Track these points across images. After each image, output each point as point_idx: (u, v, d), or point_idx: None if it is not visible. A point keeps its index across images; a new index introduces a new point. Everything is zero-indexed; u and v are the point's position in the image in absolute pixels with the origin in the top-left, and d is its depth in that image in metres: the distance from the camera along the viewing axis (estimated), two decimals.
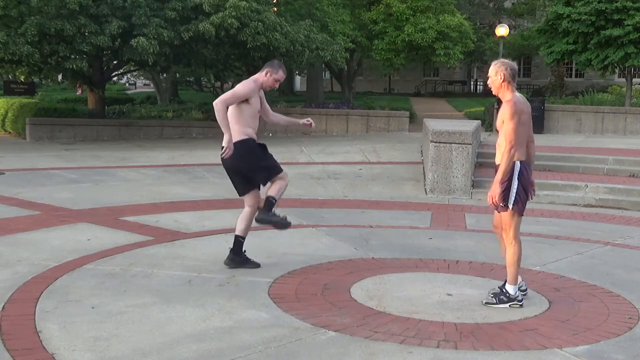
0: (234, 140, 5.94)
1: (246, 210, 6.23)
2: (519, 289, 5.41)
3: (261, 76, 6.13)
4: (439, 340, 4.59)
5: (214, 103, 5.95)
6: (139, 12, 16.60)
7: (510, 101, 5.22)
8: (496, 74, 5.28)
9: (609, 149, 15.03)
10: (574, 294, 5.79)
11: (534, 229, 8.45)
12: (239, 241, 6.24)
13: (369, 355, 4.31)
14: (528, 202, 5.46)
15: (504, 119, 5.21)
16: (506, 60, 5.38)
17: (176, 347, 4.33)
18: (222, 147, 5.96)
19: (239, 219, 6.27)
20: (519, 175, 5.26)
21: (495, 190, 5.24)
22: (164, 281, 5.78)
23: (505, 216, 5.33)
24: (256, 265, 6.25)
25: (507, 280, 5.39)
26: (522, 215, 5.39)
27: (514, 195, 5.25)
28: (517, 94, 5.33)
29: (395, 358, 4.28)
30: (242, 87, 6.05)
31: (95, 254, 6.58)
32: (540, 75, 47.93)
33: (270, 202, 6.10)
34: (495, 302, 5.34)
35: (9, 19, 16.62)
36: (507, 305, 5.32)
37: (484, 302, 5.38)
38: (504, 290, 5.37)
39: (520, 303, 5.34)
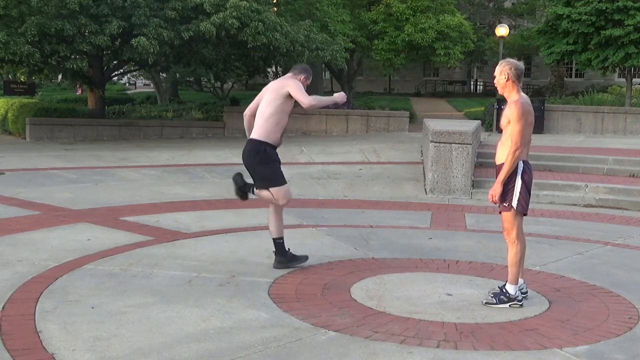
0: (271, 142, 6.07)
1: (270, 209, 6.29)
2: (519, 291, 5.41)
3: (300, 78, 6.19)
4: (439, 340, 4.59)
5: (309, 106, 6.01)
6: (138, 12, 16.60)
7: (517, 102, 5.21)
8: (501, 73, 5.28)
9: (609, 149, 15.03)
10: (574, 294, 5.79)
11: (534, 229, 8.44)
12: (278, 243, 6.31)
13: (369, 355, 4.31)
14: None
15: (510, 119, 5.20)
16: (512, 60, 5.37)
17: (176, 347, 4.33)
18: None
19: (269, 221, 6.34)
20: (522, 174, 5.27)
21: (496, 189, 5.25)
22: (164, 281, 5.78)
23: (508, 216, 5.34)
24: (305, 258, 6.35)
25: (508, 280, 5.40)
26: (525, 214, 5.39)
27: (518, 194, 5.26)
28: (523, 94, 5.33)
29: (395, 358, 4.28)
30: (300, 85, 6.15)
31: (95, 254, 6.59)
32: (540, 75, 47.96)
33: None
34: (495, 302, 5.35)
35: (10, 18, 16.63)
36: (507, 305, 5.32)
37: (484, 302, 5.38)
38: (504, 290, 5.37)
39: (520, 303, 5.34)
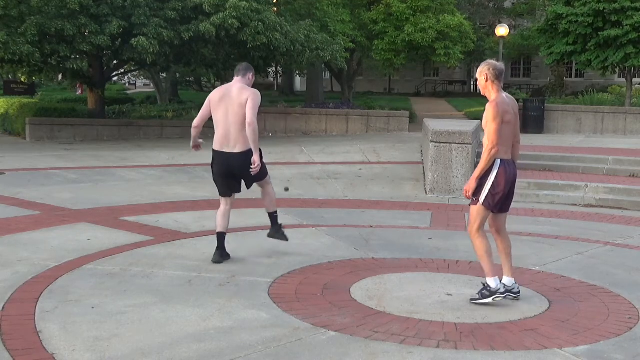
0: (251, 149, 6.38)
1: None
2: (511, 292, 5.41)
3: (249, 77, 6.53)
4: (439, 340, 4.60)
5: (252, 124, 6.27)
6: (138, 12, 16.60)
7: (493, 102, 5.27)
8: (480, 74, 5.36)
9: (609, 149, 15.03)
10: (574, 294, 5.79)
11: (534, 229, 8.44)
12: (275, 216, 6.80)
13: (369, 355, 4.31)
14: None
15: (487, 120, 5.26)
16: (491, 61, 5.45)
17: (176, 347, 4.33)
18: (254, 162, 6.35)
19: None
20: (497, 173, 5.28)
21: (470, 185, 5.35)
22: (164, 281, 5.78)
23: (473, 210, 5.40)
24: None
25: (485, 274, 5.42)
26: (493, 212, 5.40)
27: (487, 191, 5.29)
28: (503, 94, 5.36)
29: (395, 358, 4.28)
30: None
31: (95, 254, 6.59)
32: (540, 75, 47.94)
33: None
34: (478, 297, 5.38)
35: (10, 18, 16.61)
36: (490, 299, 5.33)
37: (470, 299, 5.40)
38: (485, 285, 5.39)
39: (503, 296, 5.34)
